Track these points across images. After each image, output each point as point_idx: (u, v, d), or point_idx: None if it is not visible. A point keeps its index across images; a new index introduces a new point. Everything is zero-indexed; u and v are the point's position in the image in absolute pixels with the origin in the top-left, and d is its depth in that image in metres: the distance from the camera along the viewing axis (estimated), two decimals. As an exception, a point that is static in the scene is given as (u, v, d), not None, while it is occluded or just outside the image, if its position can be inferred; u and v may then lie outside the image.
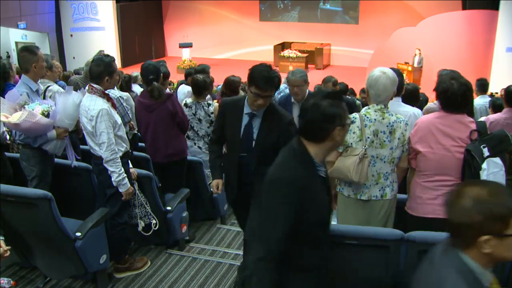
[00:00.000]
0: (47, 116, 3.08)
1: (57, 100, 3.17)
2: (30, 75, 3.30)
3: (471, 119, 2.55)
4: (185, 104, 4.21)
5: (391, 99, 2.70)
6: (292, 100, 3.85)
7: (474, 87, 5.69)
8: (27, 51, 3.29)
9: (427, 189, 2.59)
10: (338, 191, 2.79)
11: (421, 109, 3.95)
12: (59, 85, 4.24)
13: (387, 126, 2.60)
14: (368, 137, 2.59)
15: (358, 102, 5.97)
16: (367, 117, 2.60)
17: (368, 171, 2.59)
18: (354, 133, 2.61)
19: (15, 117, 2.98)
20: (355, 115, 2.63)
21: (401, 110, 3.19)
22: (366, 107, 2.68)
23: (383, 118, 2.60)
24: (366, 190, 2.66)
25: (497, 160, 2.43)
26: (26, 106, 3.07)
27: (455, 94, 2.48)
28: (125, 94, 4.55)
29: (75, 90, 3.36)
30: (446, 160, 2.52)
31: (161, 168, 3.84)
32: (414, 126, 2.70)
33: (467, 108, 2.57)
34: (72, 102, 3.13)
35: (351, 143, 2.62)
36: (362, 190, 2.66)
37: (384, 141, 2.60)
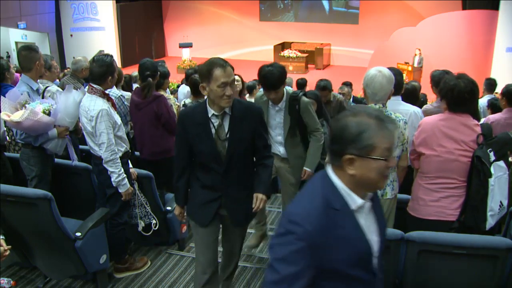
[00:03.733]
0: (48, 114, 3.08)
1: (58, 99, 3.18)
2: (31, 74, 3.31)
3: (476, 122, 2.52)
4: (184, 105, 4.21)
5: (389, 98, 2.70)
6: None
7: (480, 86, 5.71)
8: (30, 50, 3.31)
9: (429, 191, 2.58)
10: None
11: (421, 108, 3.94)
12: (56, 85, 4.25)
13: None
14: None
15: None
16: None
17: None
18: None
19: (17, 116, 2.99)
20: None
21: (401, 108, 3.19)
22: None
23: None
24: None
25: (501, 163, 2.42)
26: (27, 105, 3.07)
27: (462, 92, 2.45)
28: (127, 94, 4.55)
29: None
30: (449, 163, 2.50)
31: (150, 165, 3.86)
32: (417, 126, 2.69)
33: (473, 106, 2.55)
34: (73, 100, 3.13)
35: None
36: None
37: None
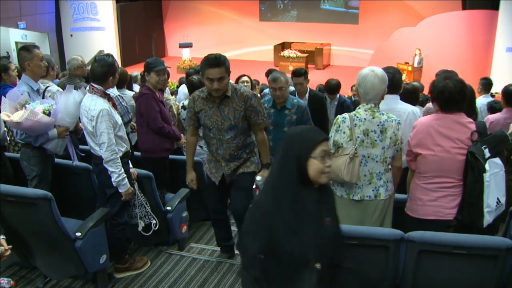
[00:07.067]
0: (48, 114, 3.08)
1: (58, 99, 3.18)
2: (27, 73, 3.30)
3: (470, 120, 2.55)
4: (183, 106, 4.19)
5: (382, 98, 2.70)
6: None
7: (477, 86, 5.73)
8: (23, 50, 3.29)
9: (427, 190, 2.59)
10: (331, 191, 2.79)
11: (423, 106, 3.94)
12: (56, 84, 4.25)
13: (378, 125, 2.59)
14: (358, 137, 2.59)
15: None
16: (357, 117, 2.61)
17: (359, 170, 2.59)
18: (344, 132, 2.62)
19: (17, 116, 2.99)
20: (345, 115, 2.66)
21: (399, 107, 3.18)
22: (357, 107, 2.70)
23: (373, 117, 2.60)
24: (358, 190, 2.66)
25: (497, 160, 2.43)
26: (27, 105, 3.07)
27: (453, 93, 2.48)
28: (130, 93, 4.55)
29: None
30: (447, 162, 2.51)
31: (149, 164, 3.86)
32: (412, 127, 2.70)
33: (464, 105, 2.57)
34: (73, 100, 3.13)
35: (342, 143, 2.62)
36: (355, 190, 2.66)
37: (375, 140, 2.60)
